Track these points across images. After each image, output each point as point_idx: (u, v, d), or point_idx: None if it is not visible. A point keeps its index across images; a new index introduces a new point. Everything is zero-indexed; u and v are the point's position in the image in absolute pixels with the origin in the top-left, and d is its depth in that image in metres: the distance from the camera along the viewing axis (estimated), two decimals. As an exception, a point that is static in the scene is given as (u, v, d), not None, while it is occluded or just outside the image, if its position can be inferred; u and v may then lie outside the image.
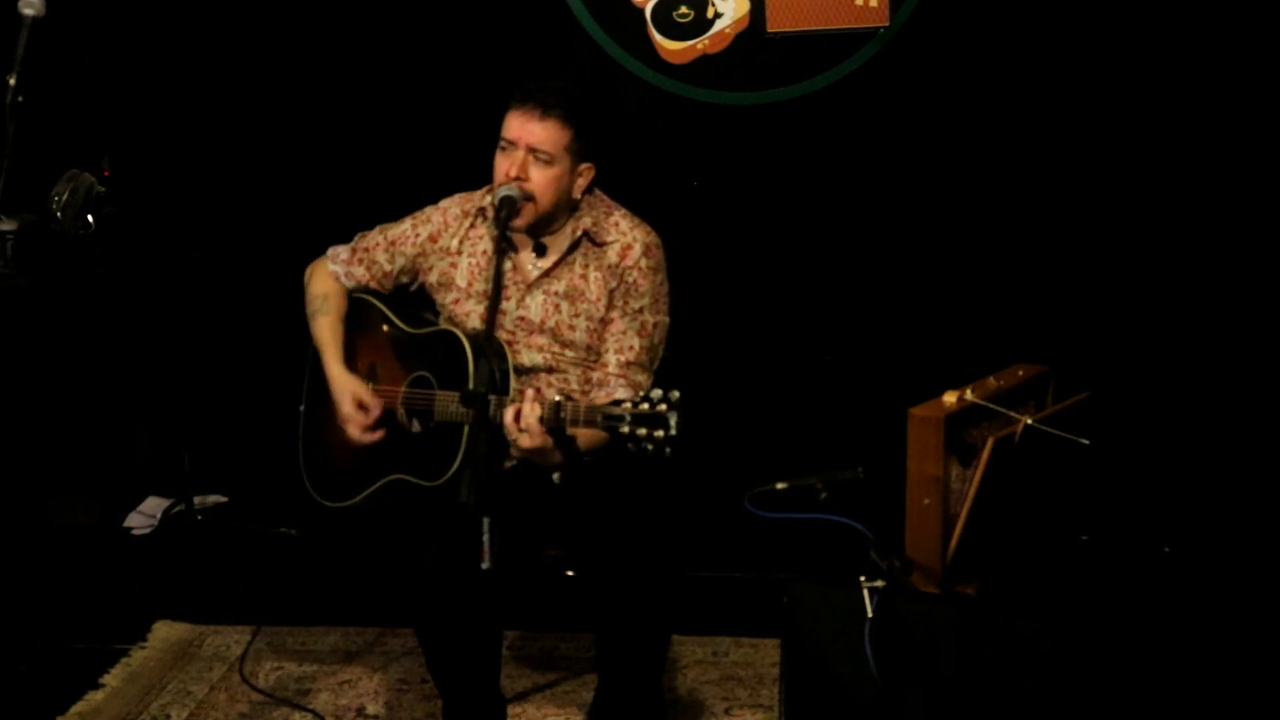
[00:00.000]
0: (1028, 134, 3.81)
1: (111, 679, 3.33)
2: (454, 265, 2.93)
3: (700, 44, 3.90)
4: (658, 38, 3.90)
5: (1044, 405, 3.08)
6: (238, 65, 4.07)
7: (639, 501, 2.70)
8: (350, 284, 3.02)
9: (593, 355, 2.87)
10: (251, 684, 3.26)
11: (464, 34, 3.96)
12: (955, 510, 2.82)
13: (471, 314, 2.90)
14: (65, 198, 3.44)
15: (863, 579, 2.54)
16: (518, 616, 3.37)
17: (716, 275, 3.93)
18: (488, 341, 2.68)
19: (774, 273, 3.99)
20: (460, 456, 2.70)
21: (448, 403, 2.75)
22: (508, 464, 2.77)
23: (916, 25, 3.80)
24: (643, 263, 2.85)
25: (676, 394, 2.40)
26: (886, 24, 3.81)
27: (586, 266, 2.87)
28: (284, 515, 4.00)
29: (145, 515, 4.21)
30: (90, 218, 3.47)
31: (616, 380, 2.81)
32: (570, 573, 2.90)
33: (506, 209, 2.73)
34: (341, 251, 3.05)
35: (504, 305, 2.86)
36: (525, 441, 2.55)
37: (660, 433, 2.38)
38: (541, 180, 2.77)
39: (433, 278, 2.96)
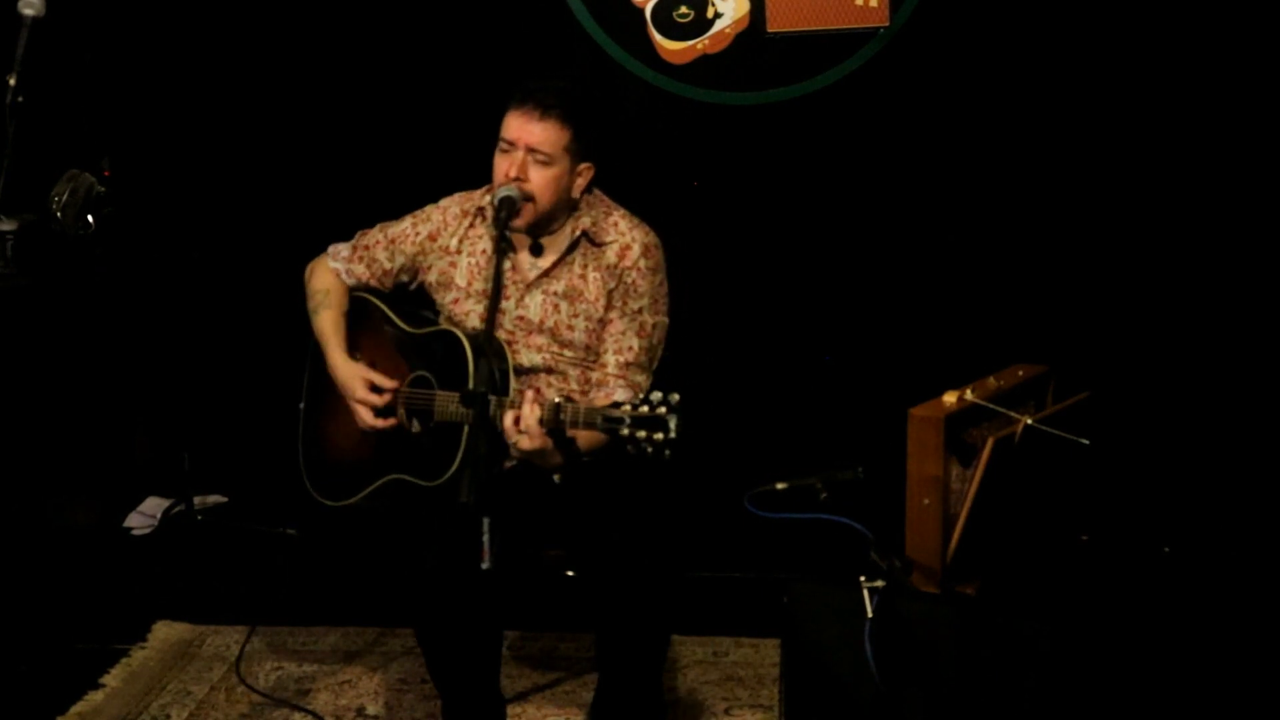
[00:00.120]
0: (1028, 134, 3.80)
1: (111, 679, 3.33)
2: (453, 264, 2.93)
3: (700, 44, 3.90)
4: (658, 38, 3.90)
5: (1044, 405, 3.08)
6: (238, 65, 4.07)
7: (639, 501, 2.70)
8: (351, 281, 3.02)
9: (591, 356, 2.87)
10: (249, 685, 3.26)
11: (464, 34, 3.96)
12: (955, 510, 2.82)
13: (471, 313, 2.90)
14: (65, 198, 3.44)
15: (863, 579, 2.54)
16: (518, 616, 3.38)
17: (716, 275, 3.93)
18: (488, 341, 2.68)
19: (774, 273, 3.98)
20: (460, 456, 2.70)
21: (448, 403, 2.75)
22: (508, 464, 2.77)
23: (916, 25, 3.79)
24: (641, 263, 2.85)
25: (676, 396, 2.39)
26: (886, 24, 3.81)
27: (585, 267, 2.86)
28: (284, 515, 4.00)
29: (145, 515, 4.21)
30: (90, 218, 3.47)
31: (616, 381, 2.80)
32: (570, 573, 2.90)
33: (506, 209, 2.73)
34: (342, 249, 3.05)
35: (503, 305, 2.86)
36: (525, 443, 2.54)
37: (660, 435, 2.38)
38: (541, 180, 2.77)
39: (432, 277, 2.96)
